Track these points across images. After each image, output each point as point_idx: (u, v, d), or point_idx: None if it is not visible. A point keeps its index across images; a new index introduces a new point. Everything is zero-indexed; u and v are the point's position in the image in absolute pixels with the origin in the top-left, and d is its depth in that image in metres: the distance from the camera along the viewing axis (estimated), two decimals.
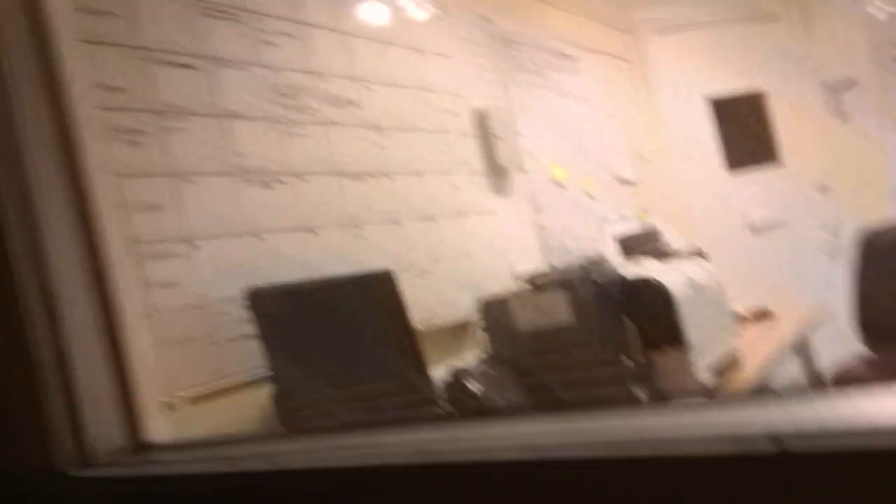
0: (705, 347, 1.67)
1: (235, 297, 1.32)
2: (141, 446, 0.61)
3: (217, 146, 1.44)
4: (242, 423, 1.36)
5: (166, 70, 1.38)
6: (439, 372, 1.61)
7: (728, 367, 1.77)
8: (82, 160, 1.13)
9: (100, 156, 1.20)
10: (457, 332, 1.98)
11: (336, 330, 1.37)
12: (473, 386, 1.46)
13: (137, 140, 1.30)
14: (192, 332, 1.30)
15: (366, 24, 1.95)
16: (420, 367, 1.49)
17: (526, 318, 1.64)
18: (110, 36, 1.30)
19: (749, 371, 1.78)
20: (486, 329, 1.74)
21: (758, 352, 1.94)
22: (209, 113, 1.44)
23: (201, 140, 1.41)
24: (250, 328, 1.27)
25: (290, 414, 1.19)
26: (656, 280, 1.68)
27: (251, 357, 1.33)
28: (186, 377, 1.27)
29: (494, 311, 1.70)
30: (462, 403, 1.49)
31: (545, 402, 1.57)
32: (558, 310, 1.59)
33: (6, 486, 0.61)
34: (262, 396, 1.35)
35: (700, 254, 2.35)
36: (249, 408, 1.38)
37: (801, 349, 2.42)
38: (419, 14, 2.17)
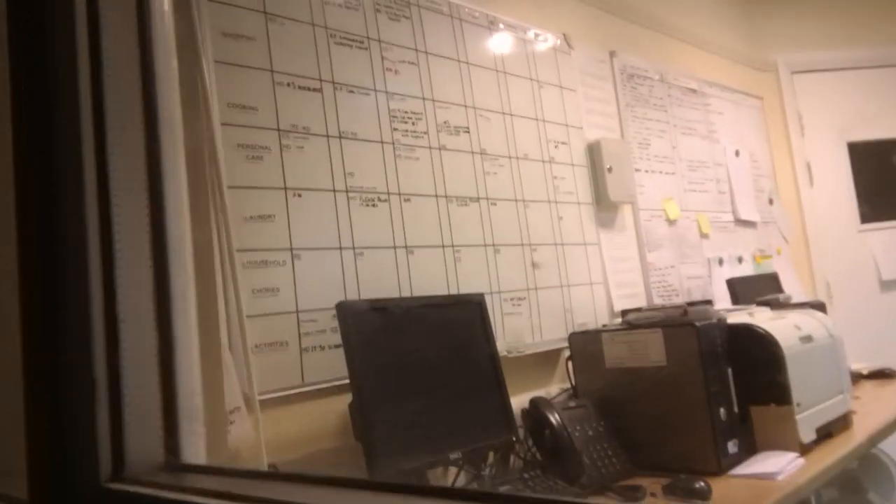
0: (811, 405, 1.57)
1: (329, 308, 1.40)
2: (177, 467, 0.65)
3: (329, 164, 1.54)
4: (320, 430, 1.43)
5: (293, 92, 1.50)
6: (521, 399, 1.62)
7: (837, 427, 1.65)
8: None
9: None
10: (546, 362, 1.97)
11: (420, 348, 1.41)
12: (551, 416, 1.46)
13: (260, 156, 1.42)
14: (285, 337, 1.40)
15: (488, 55, 2.01)
16: (500, 392, 1.51)
17: (614, 354, 1.61)
18: (245, 59, 1.44)
19: (860, 434, 1.65)
20: (573, 361, 1.73)
21: (873, 414, 1.79)
22: (327, 134, 1.55)
23: (315, 158, 1.52)
24: (337, 339, 1.34)
25: (366, 426, 1.24)
26: (763, 329, 1.60)
27: (336, 366, 1.40)
28: (276, 379, 1.36)
29: (583, 344, 1.69)
30: (537, 432, 1.49)
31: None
32: (649, 349, 1.56)
33: (50, 493, 0.68)
34: (341, 405, 1.41)
35: (820, 306, 2.21)
36: (329, 414, 1.45)
37: None
38: (544, 47, 2.21)
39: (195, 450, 0.65)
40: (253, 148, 1.41)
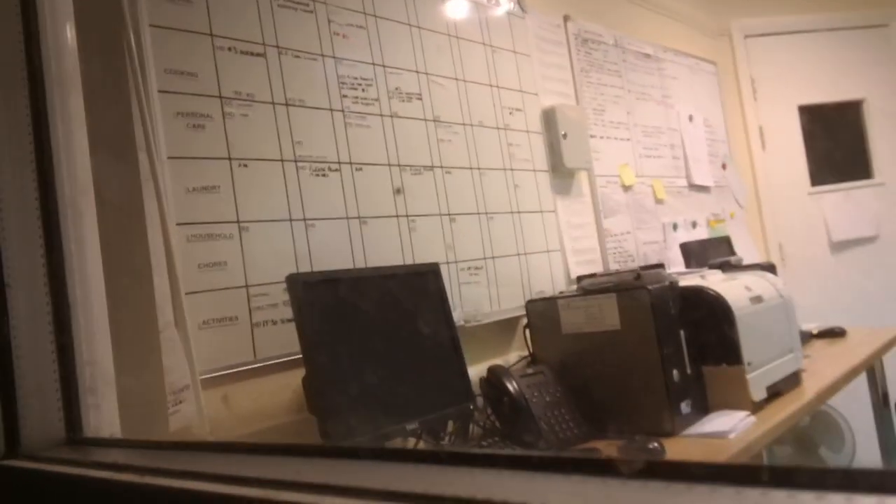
0: (762, 364, 1.60)
1: (280, 281, 1.36)
2: (78, 441, 0.62)
3: (276, 133, 1.49)
4: (274, 405, 1.41)
5: (235, 57, 1.44)
6: (480, 368, 1.62)
7: (788, 385, 1.69)
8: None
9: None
10: (504, 331, 1.97)
11: (375, 320, 1.39)
12: (508, 383, 1.45)
13: (202, 124, 1.36)
14: (235, 312, 1.36)
15: (440, 20, 1.96)
16: (458, 361, 1.50)
17: (571, 321, 1.62)
18: (183, 22, 1.37)
19: (809, 391, 1.69)
20: (530, 328, 1.73)
21: (822, 372, 1.84)
22: (272, 101, 1.50)
23: (261, 126, 1.46)
24: (290, 313, 1.31)
25: (319, 399, 1.22)
26: (714, 291, 1.62)
27: (289, 341, 1.37)
28: (225, 356, 1.33)
29: (540, 311, 1.69)
30: (495, 400, 1.49)
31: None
32: (605, 315, 1.56)
33: None
34: (295, 379, 1.39)
35: (770, 267, 2.25)
36: (283, 389, 1.42)
37: (873, 371, 2.28)
38: (498, 12, 2.17)
39: (100, 422, 0.62)
40: (194, 116, 1.36)
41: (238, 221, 1.39)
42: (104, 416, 0.62)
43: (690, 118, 3.07)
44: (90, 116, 0.76)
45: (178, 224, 1.29)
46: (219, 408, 1.24)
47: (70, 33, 0.71)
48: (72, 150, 0.64)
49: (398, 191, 1.69)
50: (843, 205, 3.58)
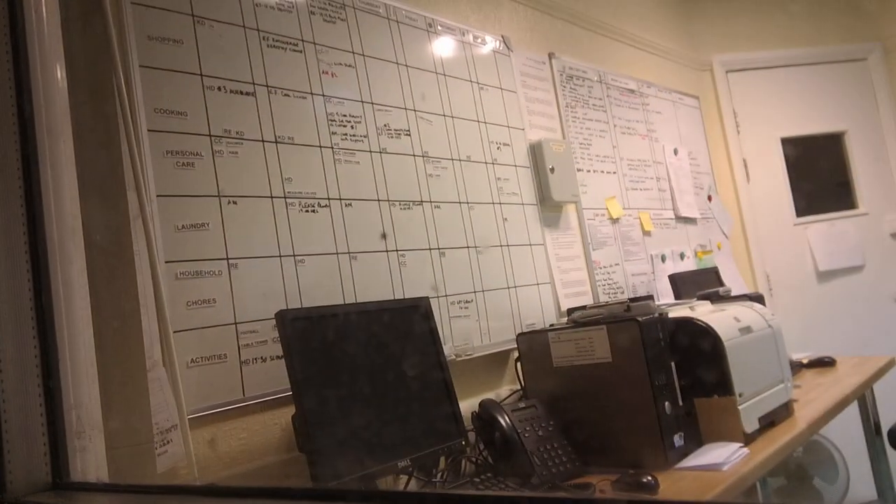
0: (753, 395, 1.60)
1: (269, 318, 1.36)
2: (64, 486, 0.61)
3: (266, 170, 1.50)
4: (264, 444, 1.39)
5: (225, 96, 1.46)
6: (471, 402, 1.61)
7: (780, 416, 1.69)
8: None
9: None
10: (495, 364, 1.97)
11: (365, 355, 1.39)
12: (500, 418, 1.44)
13: (191, 162, 1.37)
14: (223, 350, 1.35)
15: (427, 57, 1.99)
16: (449, 396, 1.49)
17: (561, 353, 1.62)
18: (173, 63, 1.39)
19: (801, 421, 1.69)
20: (521, 362, 1.73)
21: (813, 402, 1.84)
22: (262, 139, 1.51)
23: (250, 163, 1.47)
24: (280, 349, 1.30)
25: (309, 437, 1.21)
26: (703, 322, 1.63)
27: (278, 378, 1.36)
28: (213, 394, 1.31)
29: (531, 344, 1.69)
30: (487, 435, 1.48)
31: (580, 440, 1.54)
32: (595, 347, 1.56)
33: None
34: (284, 417, 1.37)
35: (758, 298, 2.26)
36: (272, 427, 1.41)
37: (864, 400, 2.28)
38: (484, 49, 2.21)
39: (87, 466, 0.61)
40: (183, 154, 1.37)
41: (227, 258, 1.39)
42: (91, 459, 0.61)
43: (675, 151, 3.12)
44: (80, 157, 0.76)
45: (166, 262, 1.28)
46: (207, 448, 1.23)
47: (60, 75, 0.72)
48: (61, 194, 0.65)
49: (384, 235, 1.70)
50: (829, 235, 3.62)
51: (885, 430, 2.43)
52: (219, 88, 1.46)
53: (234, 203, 1.42)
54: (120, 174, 1.18)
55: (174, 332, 1.26)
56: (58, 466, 0.60)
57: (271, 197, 1.50)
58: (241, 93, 1.50)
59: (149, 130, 1.32)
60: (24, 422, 0.60)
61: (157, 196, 1.29)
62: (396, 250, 1.74)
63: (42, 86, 0.68)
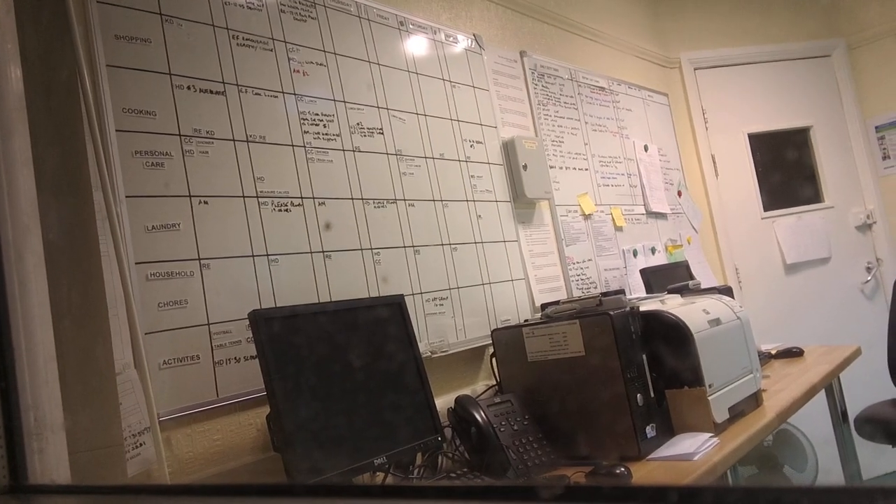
0: (722, 386, 1.63)
1: (243, 318, 1.35)
2: (22, 489, 0.60)
3: (237, 169, 1.49)
4: (238, 444, 1.38)
5: (194, 95, 1.45)
6: (447, 398, 1.62)
7: (749, 406, 1.72)
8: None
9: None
10: (471, 360, 1.98)
11: (340, 354, 1.39)
12: (476, 413, 1.46)
13: (161, 162, 1.36)
14: (196, 351, 1.34)
15: (399, 56, 2.00)
16: (424, 393, 1.50)
17: (536, 348, 1.63)
18: (140, 62, 1.37)
19: (770, 411, 1.72)
20: (496, 357, 1.74)
21: (782, 392, 1.88)
22: (233, 138, 1.50)
23: (221, 163, 1.46)
24: (254, 350, 1.30)
25: (284, 436, 1.20)
26: (673, 315, 1.65)
27: (252, 378, 1.36)
28: (186, 396, 1.31)
29: (505, 340, 1.70)
30: (463, 431, 1.49)
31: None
32: (569, 341, 1.58)
33: None
34: (259, 417, 1.37)
35: (727, 290, 2.31)
36: (247, 428, 1.40)
37: (831, 389, 2.34)
38: (456, 48, 2.22)
39: (46, 468, 0.60)
40: (152, 154, 1.35)
41: (199, 259, 1.38)
42: (50, 461, 0.60)
43: (646, 148, 3.16)
44: (40, 158, 0.75)
45: (136, 263, 1.27)
46: (180, 449, 1.22)
47: (14, 75, 0.71)
48: (14, 192, 0.64)
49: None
50: (796, 228, 3.70)
51: (851, 417, 2.49)
52: (188, 87, 1.45)
53: (206, 203, 1.41)
54: (86, 174, 1.16)
55: (146, 333, 1.25)
56: (15, 468, 0.59)
57: (243, 196, 1.49)
58: (211, 92, 1.49)
59: (117, 130, 1.30)
60: None
61: (127, 196, 1.28)
62: (371, 248, 1.74)
63: None
